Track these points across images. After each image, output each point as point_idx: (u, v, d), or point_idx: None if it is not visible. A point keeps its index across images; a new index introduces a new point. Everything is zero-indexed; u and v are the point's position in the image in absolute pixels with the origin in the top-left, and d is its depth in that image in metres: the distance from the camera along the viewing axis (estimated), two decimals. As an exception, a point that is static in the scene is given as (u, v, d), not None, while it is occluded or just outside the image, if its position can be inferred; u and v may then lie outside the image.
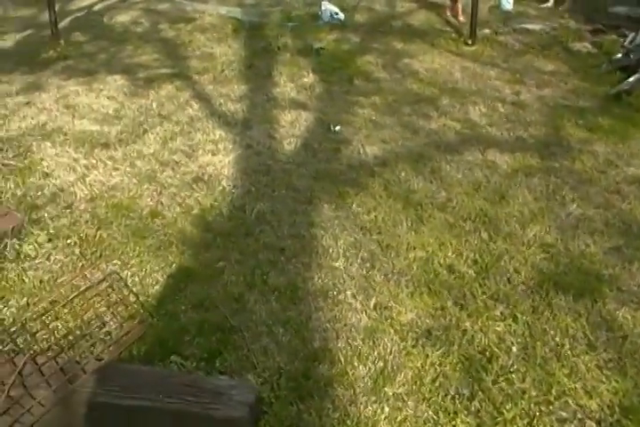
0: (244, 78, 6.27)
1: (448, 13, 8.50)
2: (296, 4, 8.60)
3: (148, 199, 4.20)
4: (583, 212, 4.18)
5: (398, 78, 6.35)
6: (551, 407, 2.74)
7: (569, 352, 3.01)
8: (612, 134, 5.38)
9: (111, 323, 3.04)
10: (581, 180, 4.60)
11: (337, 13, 8.09)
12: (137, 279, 3.45)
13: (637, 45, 7.29)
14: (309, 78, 6.24)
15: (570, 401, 2.77)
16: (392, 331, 3.08)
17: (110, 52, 7.07)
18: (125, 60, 6.89)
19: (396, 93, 5.97)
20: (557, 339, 3.10)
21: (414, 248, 3.69)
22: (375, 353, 2.95)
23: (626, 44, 7.70)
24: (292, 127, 5.20)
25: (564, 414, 2.72)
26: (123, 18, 8.32)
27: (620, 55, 7.18)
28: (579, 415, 2.72)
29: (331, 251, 3.65)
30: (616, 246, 3.84)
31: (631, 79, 6.37)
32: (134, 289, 3.29)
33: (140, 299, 3.21)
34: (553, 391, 2.81)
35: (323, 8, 8.13)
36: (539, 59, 7.27)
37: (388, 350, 2.97)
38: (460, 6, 8.40)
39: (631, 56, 7.00)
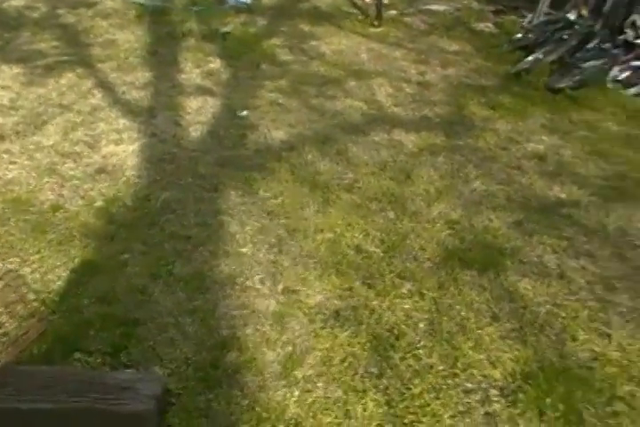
0: (148, 65, 6.08)
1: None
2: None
3: (49, 193, 4.03)
4: (486, 188, 4.29)
5: (305, 61, 6.31)
6: (457, 380, 2.82)
7: (474, 325, 3.10)
8: (513, 112, 5.54)
9: (7, 324, 2.91)
10: (484, 157, 4.72)
11: (243, -4, 7.96)
12: (37, 276, 3.32)
13: (535, 25, 7.53)
14: (215, 64, 6.12)
15: (475, 372, 2.86)
16: (301, 314, 3.09)
17: (4, 39, 6.70)
18: (22, 46, 6.55)
19: (303, 76, 5.93)
20: (463, 313, 3.18)
21: (322, 230, 3.70)
22: (284, 337, 2.95)
23: (524, 24, 7.94)
24: (197, 114, 5.09)
25: (469, 385, 2.80)
26: (16, 2, 7.89)
27: (519, 35, 7.39)
28: (483, 385, 2.81)
29: (237, 237, 3.61)
30: (517, 220, 3.96)
31: (530, 58, 6.56)
32: (35, 286, 3.17)
33: (41, 296, 3.09)
34: (459, 364, 2.89)
35: (228, -9, 7.99)
36: (443, 39, 7.38)
37: (297, 334, 2.97)
38: None
39: (530, 36, 7.21)
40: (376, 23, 7.61)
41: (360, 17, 7.81)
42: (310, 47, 6.70)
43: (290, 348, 2.89)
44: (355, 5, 8.27)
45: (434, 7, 8.61)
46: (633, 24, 6.92)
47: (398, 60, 6.58)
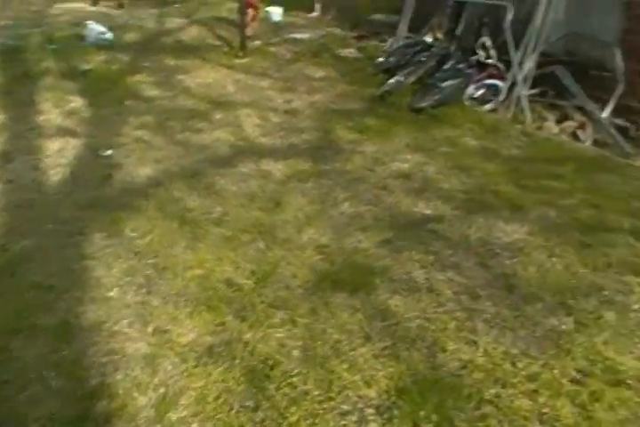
0: (2, 107, 5.84)
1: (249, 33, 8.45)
2: (59, 24, 8.20)
3: None
4: (354, 210, 4.39)
5: (170, 96, 6.30)
6: (333, 403, 2.83)
7: (347, 347, 3.13)
8: (379, 133, 5.74)
9: None
10: (352, 179, 4.84)
11: (104, 33, 7.85)
12: None
13: (396, 49, 7.89)
14: (76, 102, 5.98)
15: (350, 394, 2.88)
16: (172, 354, 3.01)
17: None
18: None
19: (169, 111, 5.91)
20: (336, 336, 3.21)
21: (191, 267, 3.65)
22: (156, 380, 2.87)
23: (386, 48, 8.31)
24: (58, 156, 4.92)
25: (345, 407, 2.82)
26: None
27: (381, 59, 7.72)
28: (359, 406, 2.83)
29: (104, 281, 3.50)
30: (386, 239, 4.07)
31: (392, 80, 6.87)
32: None
33: None
34: (334, 388, 2.90)
35: (88, 28, 7.86)
36: (309, 66, 7.59)
37: (169, 375, 2.90)
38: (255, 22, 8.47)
39: (391, 59, 7.55)
40: (241, 54, 7.72)
41: (225, 49, 7.90)
42: (176, 81, 6.69)
43: (162, 390, 2.82)
44: (219, 37, 8.36)
45: (298, 36, 8.86)
46: (483, 45, 7.39)
47: (265, 89, 6.69)
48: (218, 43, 8.12)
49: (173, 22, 8.84)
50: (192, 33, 8.47)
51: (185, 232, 3.98)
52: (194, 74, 6.93)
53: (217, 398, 2.81)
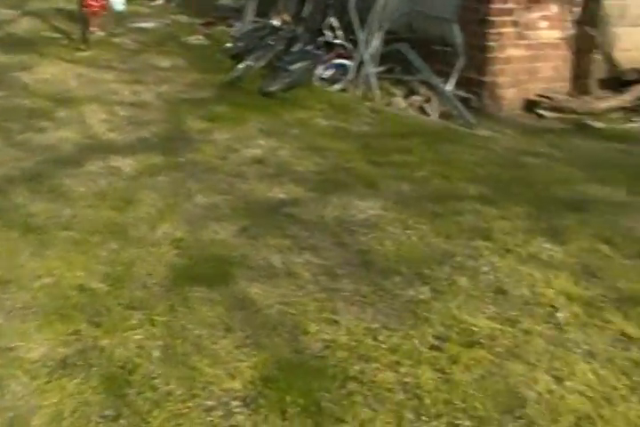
0: None
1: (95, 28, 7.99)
2: None
3: None
4: (209, 200, 4.32)
5: (6, 95, 5.91)
6: (197, 400, 2.76)
7: (208, 341, 3.07)
8: (231, 121, 5.69)
9: None
10: (205, 169, 4.76)
11: None
12: None
13: (244, 34, 7.84)
14: None
15: (214, 389, 2.83)
16: (21, 373, 2.82)
17: None
18: None
19: (5, 111, 5.54)
20: (196, 331, 3.14)
21: (39, 276, 3.44)
22: (2, 404, 2.68)
23: (233, 33, 8.23)
24: None
25: (210, 403, 2.76)
26: None
27: (229, 44, 7.63)
28: (224, 399, 2.78)
29: (-64, 304, 3.24)
30: (242, 227, 4.03)
31: (241, 66, 6.81)
32: None
33: None
34: (197, 384, 2.84)
35: None
36: (155, 56, 7.37)
37: (19, 396, 2.71)
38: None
39: (239, 44, 7.48)
40: (83, 47, 7.37)
41: (65, 42, 7.52)
42: (10, 79, 6.30)
43: (11, 413, 2.62)
44: (58, 30, 7.93)
45: (143, 25, 8.58)
46: (330, 26, 7.48)
47: (110, 82, 6.44)
48: (56, 35, 7.70)
49: (1, 14, 8.26)
50: (25, 25, 7.96)
51: (29, 240, 3.74)
52: (31, 70, 6.53)
53: (73, 412, 2.67)
